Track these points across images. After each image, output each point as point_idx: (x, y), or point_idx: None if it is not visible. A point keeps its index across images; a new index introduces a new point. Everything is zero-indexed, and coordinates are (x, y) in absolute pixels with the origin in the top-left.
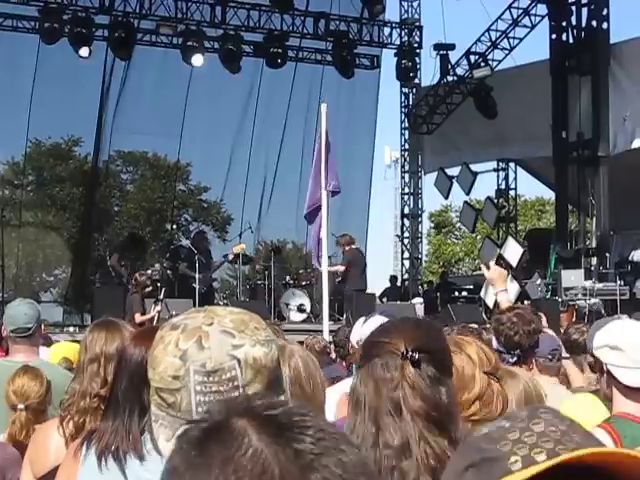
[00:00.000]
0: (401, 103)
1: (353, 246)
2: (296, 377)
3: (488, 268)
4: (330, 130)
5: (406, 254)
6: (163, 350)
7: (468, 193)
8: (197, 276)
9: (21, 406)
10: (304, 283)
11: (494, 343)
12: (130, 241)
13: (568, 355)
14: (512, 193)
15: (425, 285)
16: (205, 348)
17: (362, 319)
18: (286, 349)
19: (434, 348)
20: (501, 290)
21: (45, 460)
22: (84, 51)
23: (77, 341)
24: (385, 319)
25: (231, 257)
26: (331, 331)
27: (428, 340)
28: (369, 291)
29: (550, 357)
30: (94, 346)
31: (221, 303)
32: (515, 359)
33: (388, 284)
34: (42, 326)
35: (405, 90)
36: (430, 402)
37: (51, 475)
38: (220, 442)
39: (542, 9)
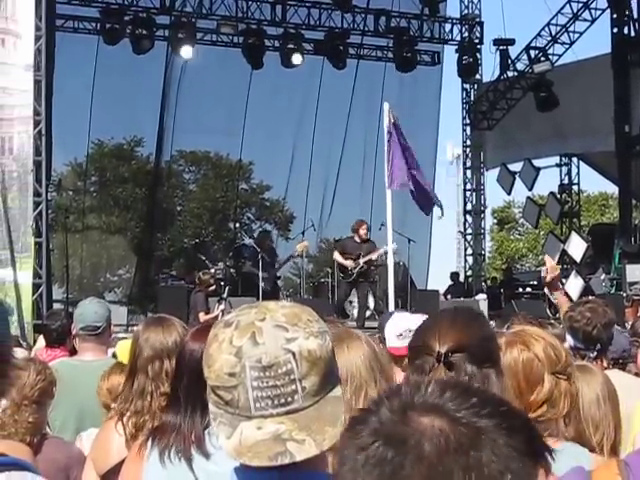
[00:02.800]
0: (462, 99)
1: None
2: (372, 351)
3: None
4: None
5: (469, 250)
6: (217, 348)
7: (531, 189)
8: (261, 274)
9: (114, 405)
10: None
11: (570, 340)
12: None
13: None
14: (575, 188)
15: (489, 281)
16: (259, 344)
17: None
18: (350, 330)
19: (472, 343)
20: (557, 292)
21: (106, 458)
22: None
23: None
24: (408, 315)
25: (295, 255)
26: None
27: (464, 336)
28: (432, 288)
29: (621, 361)
30: (153, 343)
31: (285, 301)
32: (595, 354)
33: (450, 281)
34: (111, 326)
35: (466, 86)
36: None
37: (112, 473)
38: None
39: (602, 2)
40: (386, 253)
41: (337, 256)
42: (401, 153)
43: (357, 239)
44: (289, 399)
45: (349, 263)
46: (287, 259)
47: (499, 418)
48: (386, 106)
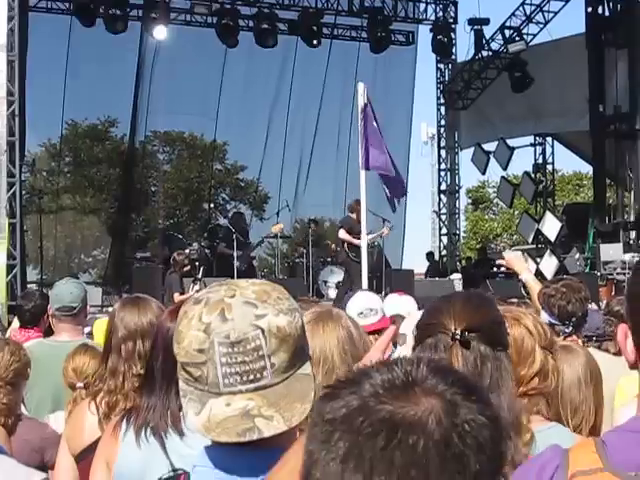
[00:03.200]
0: (437, 79)
1: None
2: (348, 336)
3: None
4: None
5: (444, 230)
6: (187, 325)
7: (505, 168)
8: (235, 254)
9: (80, 384)
10: (342, 260)
11: (545, 316)
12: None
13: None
14: (549, 168)
15: (463, 261)
16: (228, 320)
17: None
18: (333, 311)
19: (485, 324)
20: (524, 274)
21: (80, 438)
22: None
23: None
24: (369, 294)
25: (271, 236)
26: None
27: (479, 317)
28: (407, 267)
29: (595, 338)
30: (128, 323)
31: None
32: (571, 329)
33: (426, 262)
34: (87, 307)
35: (441, 66)
36: None
37: (86, 452)
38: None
39: None
40: (379, 237)
41: (345, 235)
42: (375, 134)
43: (355, 218)
44: (258, 375)
45: (358, 242)
46: (261, 240)
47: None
48: (360, 87)
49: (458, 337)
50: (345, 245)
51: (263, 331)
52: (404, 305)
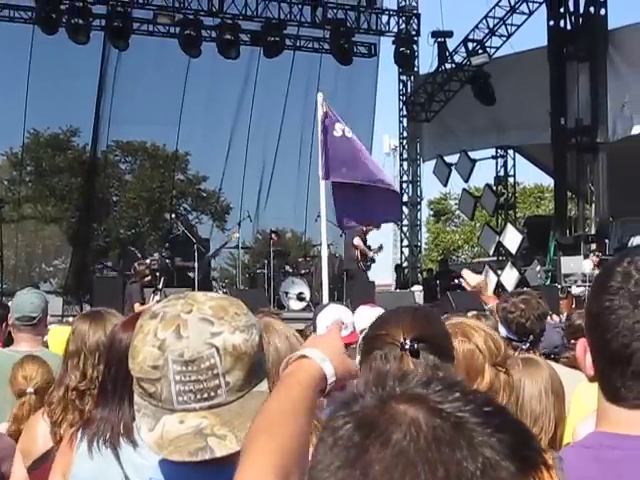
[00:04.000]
0: (399, 91)
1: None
2: (279, 355)
3: (467, 283)
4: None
5: (405, 242)
6: (142, 340)
7: (467, 180)
8: (196, 265)
9: (30, 389)
10: (303, 272)
11: (503, 331)
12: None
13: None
14: (511, 180)
15: (424, 273)
16: (183, 337)
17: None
18: (270, 325)
19: (433, 335)
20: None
21: (34, 447)
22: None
23: None
24: (340, 307)
25: (228, 245)
26: None
27: (426, 328)
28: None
29: (552, 356)
30: (77, 338)
31: (220, 292)
32: (528, 345)
33: (389, 272)
34: (47, 317)
35: (403, 78)
36: None
37: (40, 461)
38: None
39: None
40: (380, 248)
41: (360, 243)
42: (335, 144)
43: (364, 229)
44: (212, 394)
45: (370, 253)
46: (217, 250)
47: (484, 416)
48: (320, 97)
49: (407, 347)
50: (358, 254)
51: (218, 350)
52: (348, 315)
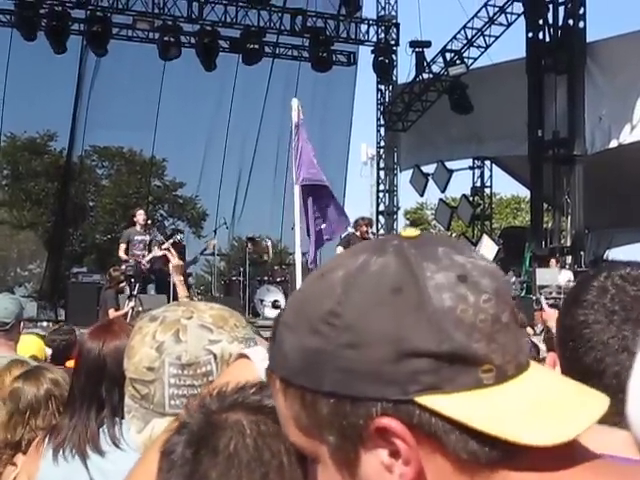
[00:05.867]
0: (377, 100)
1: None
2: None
3: None
4: (305, 125)
5: None
6: (140, 341)
7: (443, 191)
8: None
9: None
10: (279, 279)
11: None
12: None
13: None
14: (487, 191)
15: None
16: (182, 341)
17: None
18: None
19: None
20: None
21: None
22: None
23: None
24: None
25: (206, 252)
26: None
27: None
28: None
29: None
30: (13, 398)
31: (195, 299)
32: None
33: None
34: (22, 323)
35: (381, 87)
36: None
37: None
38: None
39: (518, 7)
40: None
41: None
42: (309, 149)
43: (359, 235)
44: None
45: None
46: (195, 258)
47: None
48: (294, 102)
49: None
50: None
51: (215, 357)
52: None
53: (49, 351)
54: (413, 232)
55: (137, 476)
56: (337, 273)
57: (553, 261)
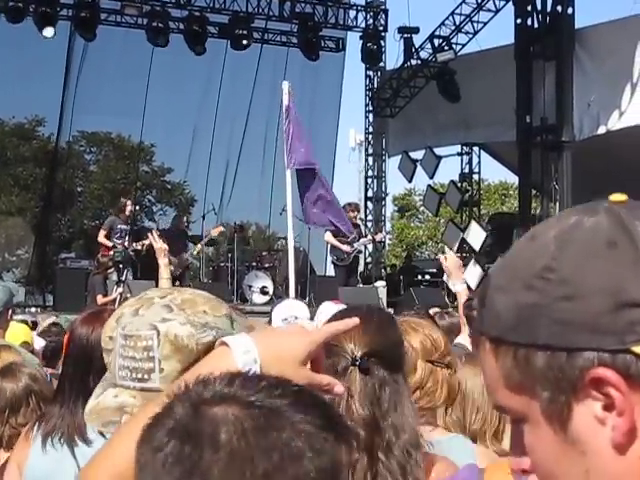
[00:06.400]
0: (366, 86)
1: None
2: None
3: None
4: (296, 109)
5: (369, 237)
6: (116, 312)
7: (432, 177)
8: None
9: None
10: (267, 265)
11: (468, 331)
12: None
13: None
14: (476, 177)
15: (388, 268)
16: (139, 315)
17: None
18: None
19: (384, 349)
20: (458, 281)
21: None
22: (48, 31)
23: (34, 323)
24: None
25: (206, 240)
26: None
27: (378, 341)
28: (331, 274)
29: None
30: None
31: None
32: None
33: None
34: (10, 310)
35: (370, 73)
36: (361, 417)
37: None
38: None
39: None
40: (370, 242)
41: (331, 239)
42: (300, 133)
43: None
44: (145, 376)
45: (346, 248)
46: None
47: (292, 397)
48: (285, 85)
49: (358, 363)
50: (329, 248)
51: (159, 333)
52: (302, 311)
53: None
54: (621, 197)
55: (101, 462)
56: (549, 233)
57: None
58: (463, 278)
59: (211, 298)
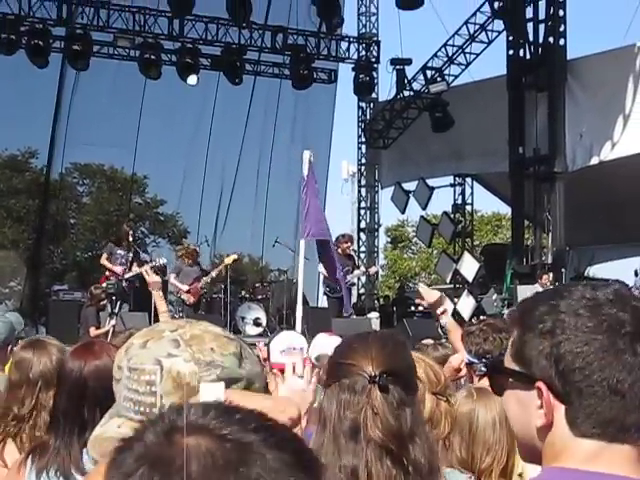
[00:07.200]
0: (358, 117)
1: None
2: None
3: (422, 299)
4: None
5: (362, 269)
6: (127, 342)
7: (424, 208)
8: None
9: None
10: (260, 297)
11: (465, 356)
12: None
13: None
14: (468, 208)
15: (381, 300)
16: (146, 348)
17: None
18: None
19: (401, 368)
20: (443, 318)
21: None
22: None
23: None
24: (294, 334)
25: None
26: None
27: (395, 361)
28: (324, 305)
29: None
30: (21, 368)
31: (176, 316)
32: (486, 368)
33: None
34: (9, 346)
35: (362, 104)
36: (390, 430)
37: None
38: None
39: (499, 25)
40: (364, 274)
41: (324, 270)
42: (317, 203)
43: (340, 253)
44: (147, 410)
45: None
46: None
47: (265, 432)
48: (306, 155)
49: (376, 381)
50: (322, 279)
51: (162, 368)
52: (333, 345)
53: None
54: None
55: None
56: None
57: (545, 277)
58: (446, 310)
59: (220, 335)
